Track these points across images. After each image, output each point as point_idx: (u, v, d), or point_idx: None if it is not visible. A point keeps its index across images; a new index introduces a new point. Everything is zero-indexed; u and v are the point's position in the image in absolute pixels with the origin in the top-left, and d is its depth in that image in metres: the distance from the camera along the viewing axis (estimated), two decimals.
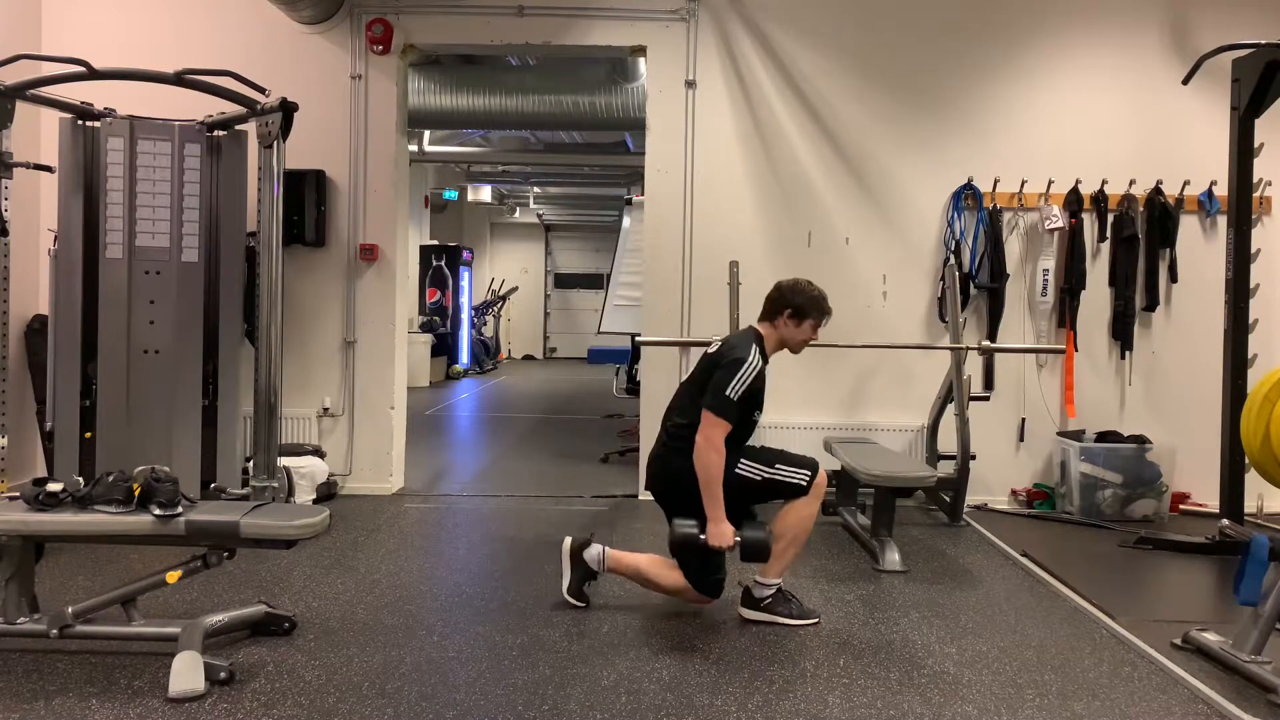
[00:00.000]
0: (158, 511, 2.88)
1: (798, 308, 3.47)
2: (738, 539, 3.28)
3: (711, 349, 3.50)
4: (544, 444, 7.79)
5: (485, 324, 15.26)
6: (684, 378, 5.43)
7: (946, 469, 5.14)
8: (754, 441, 3.56)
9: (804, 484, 3.41)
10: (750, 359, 3.34)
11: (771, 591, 3.46)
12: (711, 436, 3.27)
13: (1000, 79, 5.52)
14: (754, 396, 3.39)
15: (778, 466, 3.42)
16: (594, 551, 3.54)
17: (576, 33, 5.50)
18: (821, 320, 3.53)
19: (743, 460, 3.40)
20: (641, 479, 5.58)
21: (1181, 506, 5.40)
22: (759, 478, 3.40)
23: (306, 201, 5.34)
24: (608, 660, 3.07)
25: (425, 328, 12.63)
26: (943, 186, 5.53)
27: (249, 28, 5.39)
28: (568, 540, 3.62)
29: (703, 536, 3.29)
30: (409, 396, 6.01)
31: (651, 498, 5.42)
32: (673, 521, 3.37)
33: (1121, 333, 5.51)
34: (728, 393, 3.28)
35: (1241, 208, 4.59)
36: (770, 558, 3.37)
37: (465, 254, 14.12)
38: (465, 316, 13.92)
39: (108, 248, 4.54)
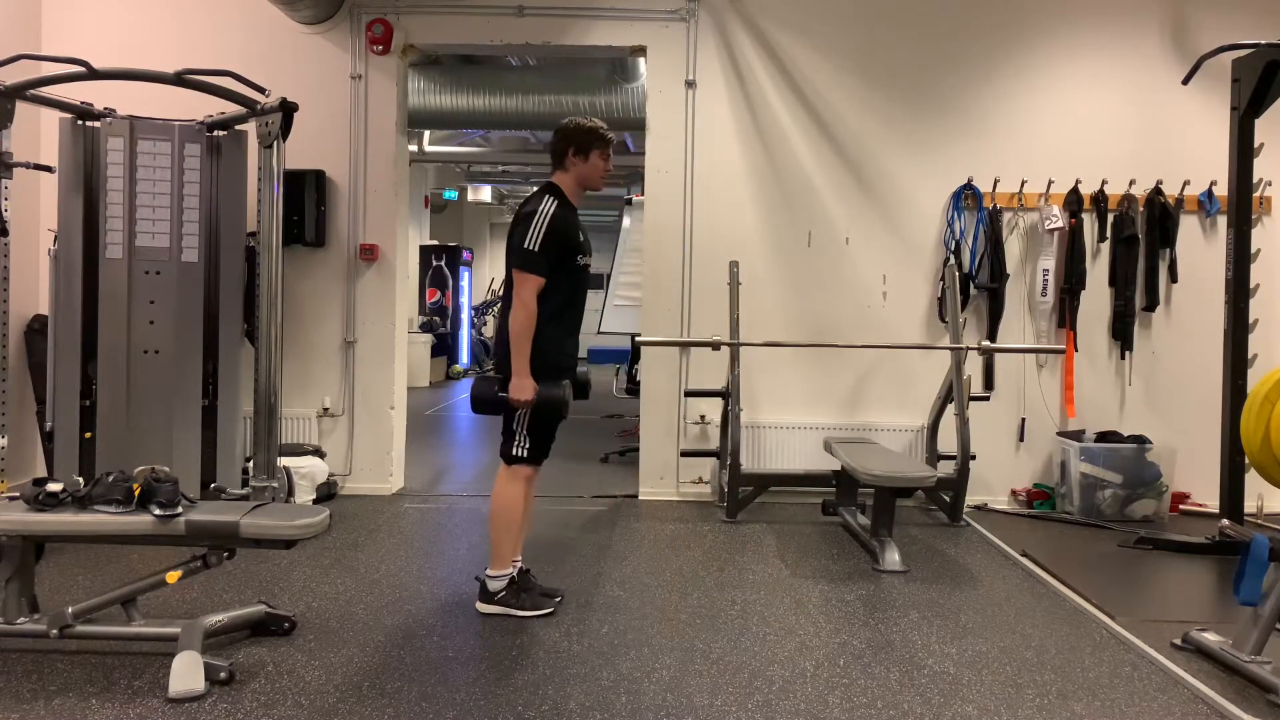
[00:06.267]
0: (158, 511, 2.88)
1: (579, 144, 3.50)
2: (538, 395, 3.34)
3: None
4: None
5: (485, 324, 15.25)
6: (683, 378, 5.52)
7: (946, 469, 5.14)
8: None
9: (510, 452, 3.44)
10: (542, 208, 3.36)
11: (503, 584, 3.47)
12: (523, 295, 3.32)
13: (1000, 79, 5.52)
14: (565, 244, 3.40)
15: (525, 433, 3.43)
16: (495, 584, 3.48)
17: (576, 33, 5.51)
18: (607, 148, 3.54)
19: (537, 408, 3.38)
20: (641, 479, 5.59)
21: (1181, 506, 5.40)
22: (511, 418, 3.43)
23: (306, 201, 5.33)
24: (608, 660, 3.07)
25: (425, 328, 12.63)
26: (943, 186, 5.53)
27: (249, 28, 5.39)
28: (477, 606, 3.51)
29: (503, 394, 3.35)
30: (409, 396, 6.00)
31: (651, 496, 5.51)
32: (474, 380, 3.45)
33: (1121, 333, 5.51)
34: (526, 245, 3.32)
35: (1241, 208, 4.59)
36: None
37: (465, 254, 14.12)
38: (465, 316, 13.93)
39: (108, 248, 4.54)
